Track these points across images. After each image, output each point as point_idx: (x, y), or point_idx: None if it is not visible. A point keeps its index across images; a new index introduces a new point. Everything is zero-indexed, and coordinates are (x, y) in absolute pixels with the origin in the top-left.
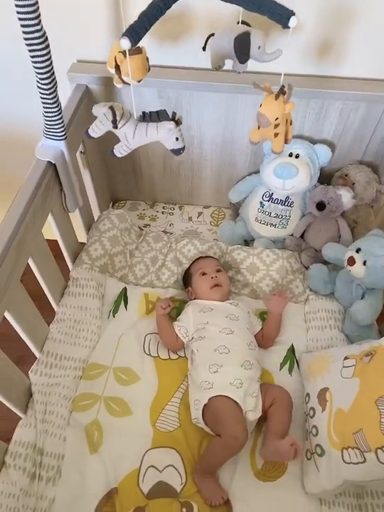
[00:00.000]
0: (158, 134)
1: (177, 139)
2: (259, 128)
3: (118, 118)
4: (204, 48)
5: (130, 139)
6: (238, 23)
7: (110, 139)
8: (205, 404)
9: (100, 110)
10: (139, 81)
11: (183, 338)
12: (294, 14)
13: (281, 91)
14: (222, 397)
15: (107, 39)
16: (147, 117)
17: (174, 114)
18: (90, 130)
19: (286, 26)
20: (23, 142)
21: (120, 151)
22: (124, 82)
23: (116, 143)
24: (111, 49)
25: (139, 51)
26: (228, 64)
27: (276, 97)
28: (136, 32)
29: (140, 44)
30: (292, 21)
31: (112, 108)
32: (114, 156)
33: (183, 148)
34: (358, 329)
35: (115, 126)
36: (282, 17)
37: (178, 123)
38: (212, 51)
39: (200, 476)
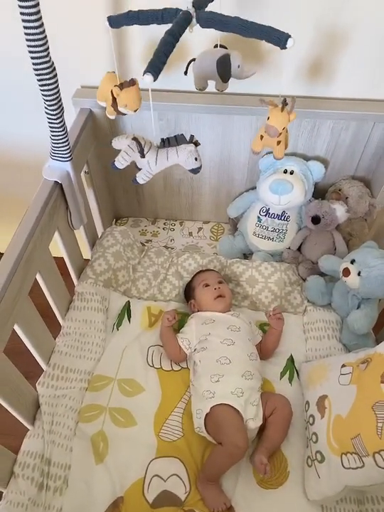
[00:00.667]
0: (178, 157)
1: (196, 159)
2: (262, 138)
3: (144, 148)
4: (186, 73)
5: (153, 165)
6: (216, 46)
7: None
8: (207, 414)
9: (122, 142)
10: (135, 111)
11: (185, 350)
12: (290, 36)
13: (285, 103)
14: (223, 406)
15: (109, 66)
16: (166, 143)
17: (192, 137)
18: (117, 163)
19: (283, 47)
20: (31, 164)
21: (143, 178)
22: (118, 113)
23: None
24: (101, 83)
25: (134, 83)
26: (211, 85)
27: (282, 109)
28: (157, 68)
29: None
30: (289, 42)
31: (136, 139)
32: (137, 184)
33: (200, 167)
34: (356, 338)
35: (143, 156)
36: (280, 40)
37: (196, 144)
38: (196, 74)
39: (203, 483)
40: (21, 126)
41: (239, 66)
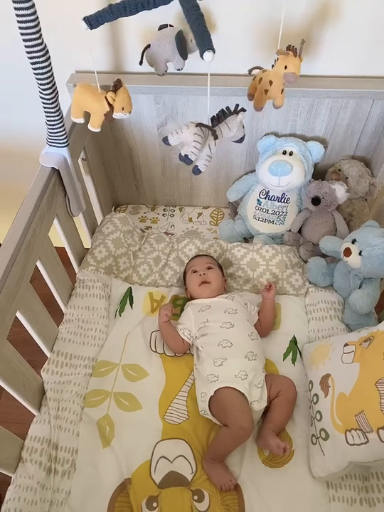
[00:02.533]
0: (230, 130)
1: (243, 126)
2: (266, 92)
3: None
4: (141, 63)
5: (213, 147)
6: (163, 27)
7: (109, 146)
8: (211, 397)
9: (183, 136)
10: (130, 112)
11: (187, 340)
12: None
13: (292, 49)
14: (227, 389)
15: (104, 50)
16: (216, 120)
17: (237, 105)
18: (190, 155)
19: (201, 56)
20: (27, 153)
21: (204, 164)
22: (111, 120)
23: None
24: (75, 98)
25: (121, 83)
26: (171, 67)
27: (295, 54)
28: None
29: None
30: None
31: (200, 125)
32: (199, 173)
33: (244, 135)
34: (358, 318)
35: (216, 137)
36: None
37: (242, 111)
38: (155, 59)
39: (209, 463)
40: (17, 114)
41: (191, 40)
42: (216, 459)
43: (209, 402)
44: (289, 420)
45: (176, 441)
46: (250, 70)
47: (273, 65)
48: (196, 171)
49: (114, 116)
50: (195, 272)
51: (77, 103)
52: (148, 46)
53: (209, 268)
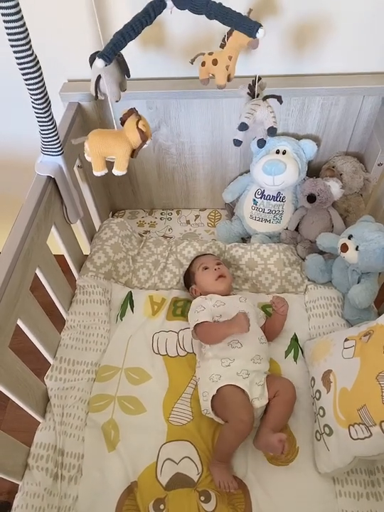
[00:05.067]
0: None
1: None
2: (203, 65)
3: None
4: (96, 97)
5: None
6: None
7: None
8: (213, 395)
9: (262, 112)
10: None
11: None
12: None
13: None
14: (228, 387)
15: None
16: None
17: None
18: (274, 125)
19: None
20: (23, 163)
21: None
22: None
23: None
24: (93, 152)
25: (134, 110)
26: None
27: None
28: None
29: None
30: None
31: (265, 98)
32: (239, 145)
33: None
34: (358, 313)
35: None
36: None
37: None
38: (110, 85)
39: (214, 464)
40: (11, 124)
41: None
42: (222, 459)
43: (211, 401)
44: (286, 421)
45: (180, 443)
46: (192, 60)
47: (222, 45)
48: (260, 143)
49: (145, 145)
50: (206, 268)
51: (99, 153)
52: (100, 77)
53: (218, 264)
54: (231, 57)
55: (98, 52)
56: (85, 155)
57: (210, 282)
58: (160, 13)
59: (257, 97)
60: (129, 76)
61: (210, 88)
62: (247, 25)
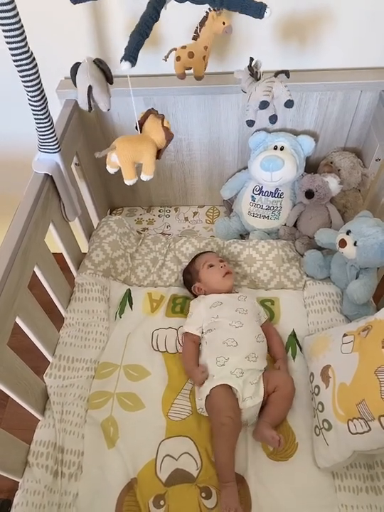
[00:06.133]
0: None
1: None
2: (179, 59)
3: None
4: (90, 109)
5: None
6: (77, 65)
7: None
8: (207, 395)
9: (278, 88)
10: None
11: (198, 334)
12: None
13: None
14: (220, 387)
15: (91, 54)
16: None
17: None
18: (290, 97)
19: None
20: (21, 160)
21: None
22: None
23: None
24: (123, 159)
25: (153, 110)
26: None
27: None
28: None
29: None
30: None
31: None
32: (252, 124)
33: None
34: (356, 308)
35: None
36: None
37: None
38: (99, 94)
39: (221, 486)
40: (7, 122)
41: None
42: (223, 474)
43: (205, 400)
44: (285, 415)
45: (180, 439)
46: (166, 57)
47: (194, 37)
48: (273, 119)
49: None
50: (212, 265)
51: (130, 160)
52: (91, 87)
53: (221, 261)
54: (207, 47)
55: (78, 63)
56: (108, 167)
57: (218, 279)
58: (162, 7)
59: (256, 74)
60: (111, 83)
61: (208, 84)
62: (254, 8)
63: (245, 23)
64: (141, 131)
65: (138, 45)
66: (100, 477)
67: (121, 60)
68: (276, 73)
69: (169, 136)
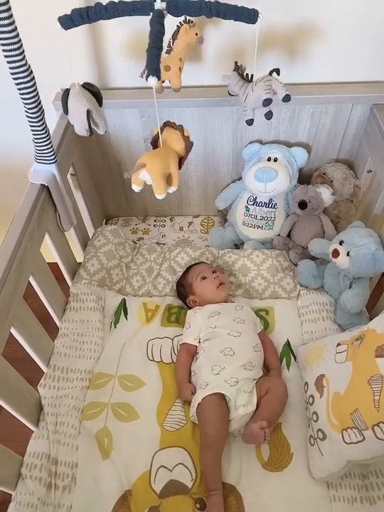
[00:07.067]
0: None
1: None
2: (167, 69)
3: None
4: (91, 133)
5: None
6: (68, 91)
7: (97, 161)
8: (199, 403)
9: (276, 85)
10: None
11: (196, 344)
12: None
13: (187, 22)
14: (212, 396)
15: (87, 67)
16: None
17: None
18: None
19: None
20: (17, 171)
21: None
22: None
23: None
24: (155, 174)
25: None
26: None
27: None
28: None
29: None
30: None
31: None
32: (251, 123)
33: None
34: (350, 318)
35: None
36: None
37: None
38: (99, 117)
39: (208, 495)
40: (3, 132)
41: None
42: (206, 481)
43: (197, 408)
44: (277, 419)
45: (174, 450)
46: (142, 73)
47: (168, 51)
48: (269, 115)
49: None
50: (205, 277)
51: (161, 174)
52: (89, 111)
53: (214, 272)
54: (181, 58)
55: (68, 89)
56: (134, 186)
57: (212, 291)
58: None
59: (247, 76)
60: (101, 105)
61: (202, 97)
62: (247, 15)
63: (237, 37)
64: (155, 147)
65: (157, 59)
66: (94, 489)
67: (146, 77)
68: (271, 72)
69: (190, 145)
